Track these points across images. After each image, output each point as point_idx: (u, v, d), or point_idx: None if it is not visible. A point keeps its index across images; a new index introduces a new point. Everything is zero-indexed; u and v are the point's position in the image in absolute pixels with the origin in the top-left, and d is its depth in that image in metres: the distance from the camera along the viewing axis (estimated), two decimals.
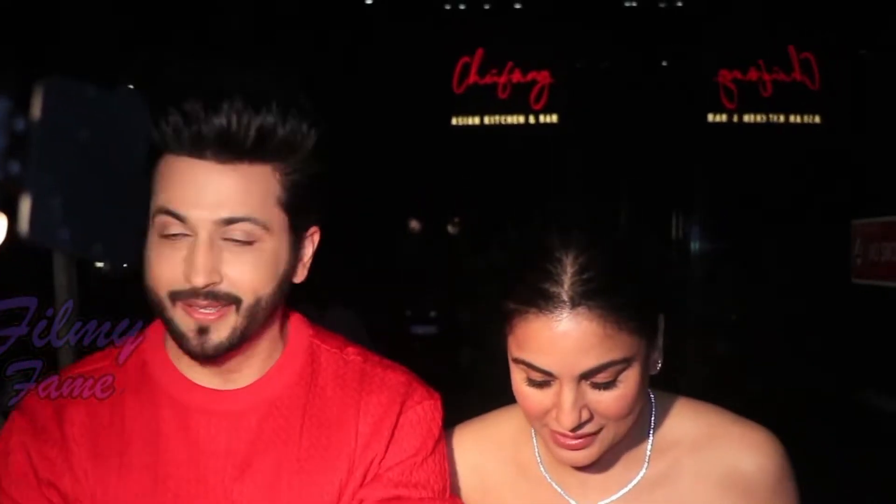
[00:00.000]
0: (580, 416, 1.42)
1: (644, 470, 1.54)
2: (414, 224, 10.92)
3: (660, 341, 1.51)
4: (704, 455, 1.55)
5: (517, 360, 1.46)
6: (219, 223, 1.44)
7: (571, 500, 1.56)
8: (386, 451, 1.58)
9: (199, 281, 1.43)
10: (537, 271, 1.43)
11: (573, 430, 1.43)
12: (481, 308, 1.54)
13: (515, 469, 1.62)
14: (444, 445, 1.62)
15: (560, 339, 1.41)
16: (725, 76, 9.52)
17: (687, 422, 1.59)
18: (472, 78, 10.26)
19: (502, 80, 10.20)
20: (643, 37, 9.90)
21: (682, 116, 9.37)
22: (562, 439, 1.46)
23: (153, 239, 1.45)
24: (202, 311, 1.46)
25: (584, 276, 1.41)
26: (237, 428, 1.56)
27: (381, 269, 9.68)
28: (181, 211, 1.43)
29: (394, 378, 1.63)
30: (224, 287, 1.45)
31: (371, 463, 1.57)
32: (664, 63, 10.16)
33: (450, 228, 10.89)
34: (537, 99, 10.14)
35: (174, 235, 1.44)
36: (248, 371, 1.57)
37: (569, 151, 9.19)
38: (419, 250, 10.50)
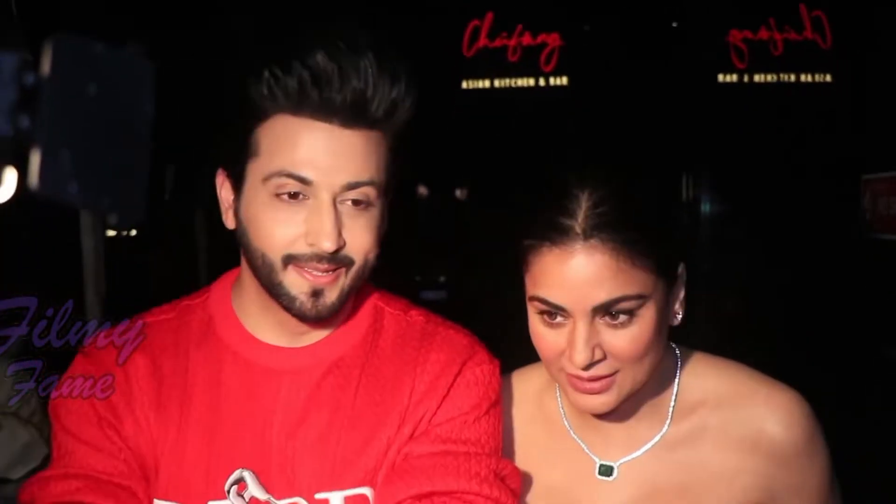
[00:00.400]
0: (592, 355, 1.42)
1: (666, 427, 1.55)
2: (422, 190, 10.89)
3: (681, 292, 1.51)
4: (729, 415, 1.53)
5: (532, 299, 1.47)
6: (344, 187, 1.45)
7: (594, 456, 1.57)
8: (438, 408, 1.58)
9: (330, 246, 1.44)
10: (553, 207, 1.45)
11: (586, 368, 1.42)
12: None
13: (541, 423, 1.62)
14: (499, 410, 1.60)
15: (573, 271, 1.41)
16: (735, 36, 9.42)
17: (712, 380, 1.57)
18: (482, 41, 10.20)
19: (512, 42, 10.11)
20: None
21: (693, 77, 9.30)
22: (578, 383, 1.45)
23: (264, 199, 1.46)
24: (319, 274, 1.47)
25: (598, 210, 1.42)
26: (297, 385, 1.57)
27: (389, 236, 9.63)
28: (306, 174, 1.43)
29: (456, 338, 1.64)
30: (342, 251, 1.47)
31: (421, 419, 1.57)
32: (674, 24, 10.07)
33: (458, 193, 10.87)
34: (547, 61, 10.09)
35: (292, 197, 1.45)
36: (316, 331, 1.59)
37: (579, 113, 9.14)
38: (428, 216, 10.49)
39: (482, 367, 1.60)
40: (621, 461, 1.55)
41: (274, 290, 1.50)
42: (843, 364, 6.21)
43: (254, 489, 1.52)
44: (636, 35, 9.57)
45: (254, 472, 1.53)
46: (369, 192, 1.47)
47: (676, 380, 1.56)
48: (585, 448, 1.58)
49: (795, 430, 1.51)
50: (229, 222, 1.56)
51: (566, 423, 1.60)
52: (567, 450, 1.59)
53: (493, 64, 10.19)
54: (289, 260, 1.46)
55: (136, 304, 1.86)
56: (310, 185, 1.43)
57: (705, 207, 9.32)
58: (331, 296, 1.49)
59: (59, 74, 0.68)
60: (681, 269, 1.52)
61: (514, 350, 1.71)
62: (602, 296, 1.41)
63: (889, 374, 5.87)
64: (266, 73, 1.43)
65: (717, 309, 7.04)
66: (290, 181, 1.44)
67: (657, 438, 1.54)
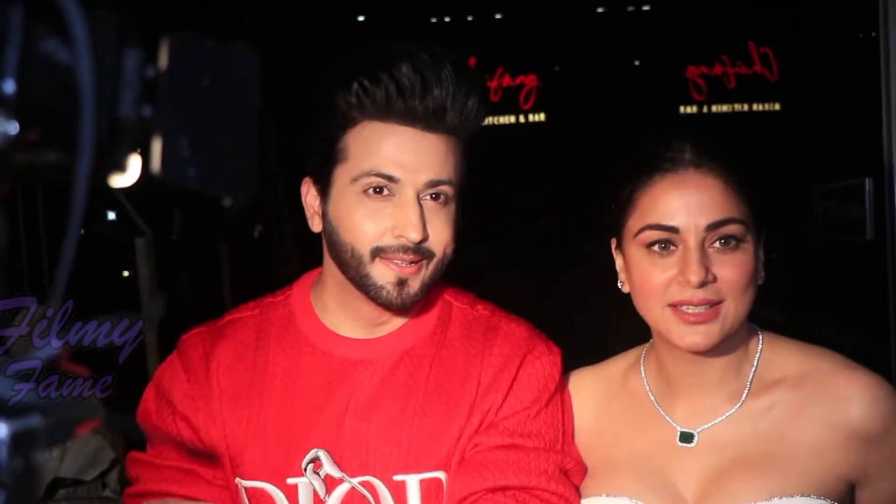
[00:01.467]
0: (707, 274, 1.39)
1: (744, 398, 1.50)
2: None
3: (762, 253, 1.48)
4: (810, 393, 1.48)
5: (644, 229, 1.43)
6: (426, 184, 1.45)
7: (675, 424, 1.53)
8: (504, 401, 1.56)
9: (416, 236, 1.44)
10: (660, 148, 1.44)
11: (700, 286, 1.39)
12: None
13: (627, 399, 1.60)
14: (559, 398, 1.60)
15: (687, 193, 1.41)
16: (693, 71, 9.54)
17: (794, 359, 1.53)
18: None
19: (494, 84, 10.21)
20: (617, 39, 9.93)
21: (657, 109, 9.37)
22: (684, 315, 1.42)
23: (352, 198, 1.46)
24: (403, 265, 1.47)
25: (705, 143, 1.43)
26: (372, 374, 1.56)
27: None
28: (393, 172, 1.44)
29: (517, 331, 1.62)
30: (425, 243, 1.46)
31: (488, 411, 1.56)
32: (637, 62, 10.17)
33: None
34: (526, 100, 10.17)
35: (378, 193, 1.45)
36: (390, 323, 1.58)
37: (556, 145, 9.18)
38: None
39: (542, 360, 1.59)
40: (701, 429, 1.50)
41: (361, 282, 1.50)
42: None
43: (328, 467, 1.53)
44: (604, 74, 9.66)
45: (328, 452, 1.53)
46: (448, 189, 1.47)
47: (758, 355, 1.52)
48: (668, 417, 1.54)
49: (877, 409, 1.45)
50: (315, 226, 1.56)
51: (651, 395, 1.57)
52: (651, 420, 1.55)
53: None
54: (377, 252, 1.47)
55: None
56: (396, 183, 1.45)
57: None
58: (414, 285, 1.49)
59: (176, 68, 0.69)
60: (763, 231, 1.50)
61: None
62: (714, 215, 1.39)
63: None
64: (355, 85, 1.44)
65: None
66: (379, 179, 1.45)
67: (735, 408, 1.50)
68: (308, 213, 1.57)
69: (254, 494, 1.56)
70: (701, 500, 1.47)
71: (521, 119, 10.23)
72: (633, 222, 1.45)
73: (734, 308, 1.41)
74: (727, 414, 1.51)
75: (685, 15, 9.61)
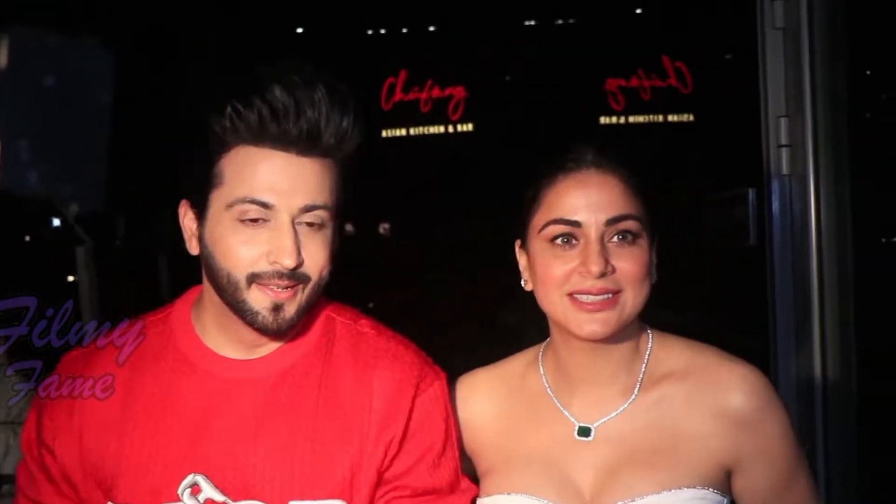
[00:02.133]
0: (606, 265, 1.42)
1: (636, 393, 1.52)
2: (349, 227, 10.87)
3: (654, 255, 1.52)
4: (695, 385, 1.52)
5: (548, 224, 1.47)
6: (301, 209, 1.39)
7: (574, 419, 1.53)
8: (405, 434, 1.51)
9: (291, 263, 1.38)
10: (565, 151, 1.49)
11: (599, 276, 1.42)
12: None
13: (526, 396, 1.59)
14: (452, 422, 1.56)
15: (588, 191, 1.45)
16: (612, 84, 9.64)
17: (679, 356, 1.56)
18: (398, 95, 10.26)
19: (424, 95, 10.22)
20: (541, 52, 10.02)
21: (578, 120, 9.47)
22: (583, 303, 1.45)
23: (228, 224, 1.40)
24: (279, 290, 1.41)
25: (607, 149, 1.48)
26: (254, 394, 1.49)
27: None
28: (268, 199, 1.38)
29: (406, 355, 1.57)
30: (301, 268, 1.41)
31: (390, 443, 1.51)
32: (559, 74, 10.26)
33: (381, 230, 10.87)
34: (454, 111, 10.18)
35: (254, 221, 1.39)
36: (270, 343, 1.52)
37: (483, 154, 9.21)
38: (354, 250, 10.45)
39: (434, 387, 1.56)
40: (597, 423, 1.52)
41: (238, 307, 1.44)
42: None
43: (209, 491, 1.45)
44: (528, 85, 9.71)
45: (208, 477, 1.45)
46: (323, 214, 1.42)
47: (648, 351, 1.55)
48: (566, 412, 1.54)
49: (754, 398, 1.51)
50: (193, 249, 1.49)
51: (549, 391, 1.57)
52: (550, 416, 1.56)
53: (408, 115, 10.24)
54: (252, 278, 1.41)
55: None
56: (270, 209, 1.39)
57: None
58: (290, 310, 1.43)
59: (16, 66, 0.59)
60: (656, 234, 1.54)
61: (438, 358, 1.66)
62: (613, 211, 1.44)
63: None
64: (228, 109, 1.38)
65: None
66: (253, 206, 1.38)
67: (628, 403, 1.52)
68: (185, 236, 1.50)
69: None
70: (598, 494, 1.48)
71: (451, 129, 10.24)
72: (539, 219, 1.48)
73: (632, 298, 1.45)
74: (621, 409, 1.52)
75: (604, 29, 9.77)
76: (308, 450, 1.47)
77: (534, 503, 1.48)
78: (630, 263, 1.44)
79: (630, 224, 1.45)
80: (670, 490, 1.44)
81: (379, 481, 1.51)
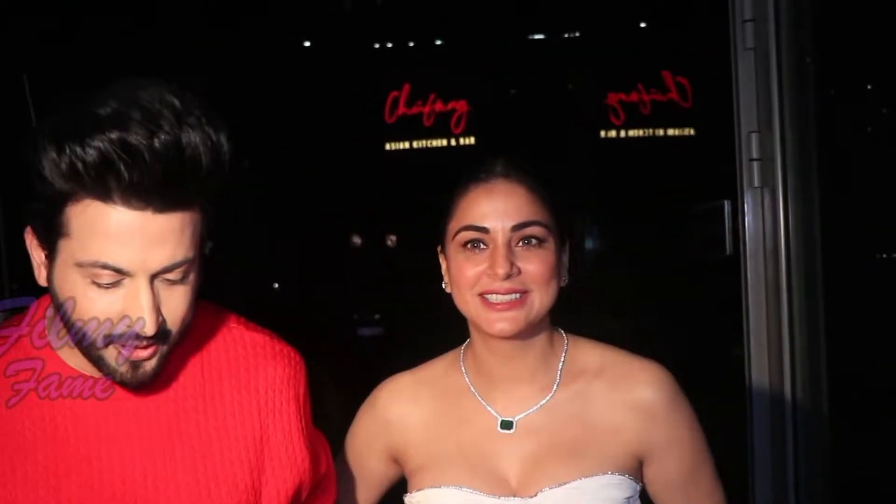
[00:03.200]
0: (511, 267, 1.51)
1: (555, 389, 1.60)
2: (356, 239, 10.92)
3: (566, 258, 1.61)
4: (609, 381, 1.61)
5: (459, 231, 1.55)
6: (160, 270, 1.25)
7: (496, 414, 1.61)
8: (292, 426, 1.47)
9: (150, 330, 1.25)
10: (478, 163, 1.58)
11: (505, 277, 1.51)
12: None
13: (450, 396, 1.66)
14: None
15: (494, 198, 1.53)
16: (612, 98, 9.74)
17: (592, 355, 1.65)
18: (401, 109, 10.37)
19: (426, 109, 10.33)
20: (543, 67, 10.11)
21: (579, 133, 9.56)
22: (492, 303, 1.53)
23: (78, 281, 1.24)
24: (139, 350, 1.28)
25: (515, 161, 1.58)
26: (137, 416, 1.37)
27: (327, 280, 9.80)
28: (123, 265, 1.22)
29: (280, 348, 1.50)
30: (162, 325, 1.27)
31: (284, 435, 1.45)
32: (561, 89, 10.36)
33: (388, 242, 10.91)
34: (457, 124, 10.29)
35: (109, 283, 1.24)
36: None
37: None
38: (362, 261, 10.50)
39: (301, 372, 1.52)
40: (519, 417, 1.60)
41: (94, 362, 1.30)
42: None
43: None
44: (530, 99, 9.82)
45: None
46: (185, 268, 1.27)
47: (564, 352, 1.63)
48: (489, 408, 1.62)
49: (662, 392, 1.61)
50: (42, 280, 1.32)
51: (472, 388, 1.64)
52: (474, 412, 1.63)
53: (411, 128, 10.35)
54: (108, 339, 1.27)
55: None
56: (125, 273, 1.23)
57: (591, 244, 9.47)
58: (151, 364, 1.30)
59: None
60: (567, 241, 1.62)
61: None
62: (519, 217, 1.52)
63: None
64: (66, 154, 1.18)
65: (602, 323, 7.15)
66: (106, 272, 1.22)
67: (548, 398, 1.60)
68: (34, 264, 1.33)
69: None
70: (524, 482, 1.56)
71: (453, 142, 10.35)
72: (453, 225, 1.56)
73: (539, 298, 1.53)
74: (541, 403, 1.60)
75: (606, 45, 9.85)
76: (201, 467, 1.38)
77: (463, 494, 1.56)
78: (535, 266, 1.52)
79: (535, 230, 1.53)
80: (591, 476, 1.54)
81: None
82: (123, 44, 7.45)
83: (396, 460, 1.69)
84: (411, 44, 10.88)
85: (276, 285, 10.02)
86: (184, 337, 1.34)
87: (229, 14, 9.26)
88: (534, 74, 10.04)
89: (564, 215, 1.59)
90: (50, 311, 1.37)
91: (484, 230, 1.53)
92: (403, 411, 1.67)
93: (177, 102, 1.21)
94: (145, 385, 1.33)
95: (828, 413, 2.78)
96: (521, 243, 1.53)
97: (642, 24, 10.03)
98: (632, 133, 9.74)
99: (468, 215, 1.54)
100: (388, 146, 10.45)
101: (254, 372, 1.46)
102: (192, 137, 1.20)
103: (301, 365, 1.52)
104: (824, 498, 2.76)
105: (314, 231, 9.71)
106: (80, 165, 1.18)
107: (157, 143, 1.18)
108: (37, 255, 1.31)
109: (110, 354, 1.28)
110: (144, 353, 1.28)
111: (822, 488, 2.77)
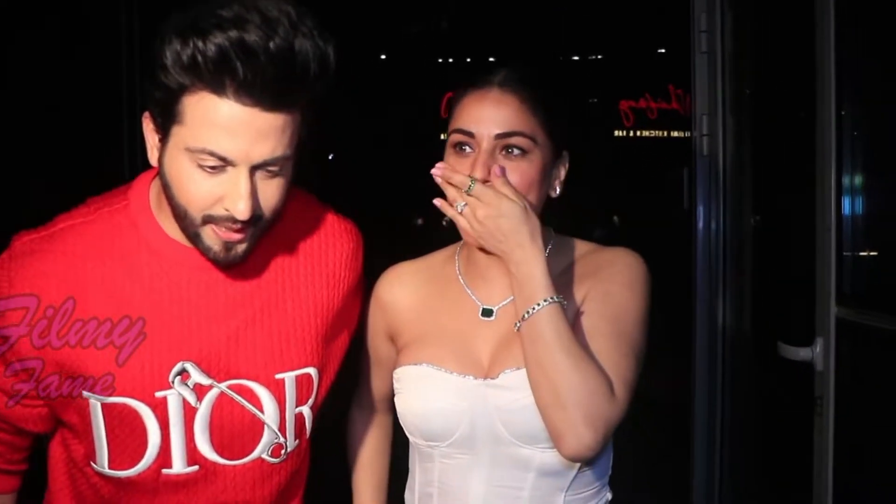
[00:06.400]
0: (489, 173, 1.35)
1: None
2: (419, 220, 11.16)
3: (562, 174, 1.45)
4: (585, 266, 1.46)
5: (451, 133, 1.41)
6: (260, 163, 1.18)
7: (478, 301, 1.50)
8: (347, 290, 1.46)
9: (245, 216, 1.18)
10: (480, 74, 1.43)
11: (483, 182, 1.34)
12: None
13: (443, 282, 1.56)
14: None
15: (486, 106, 1.38)
16: (624, 105, 9.95)
17: (577, 249, 1.51)
18: (444, 114, 10.54)
19: None
20: (575, 81, 10.31)
21: (597, 133, 9.76)
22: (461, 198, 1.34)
23: (186, 164, 1.18)
24: (232, 232, 1.22)
25: (511, 73, 1.42)
26: (224, 280, 1.32)
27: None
28: (227, 154, 1.15)
29: (346, 225, 1.50)
30: (255, 211, 1.20)
31: (343, 304, 1.45)
32: (588, 99, 10.56)
33: (444, 223, 11.09)
34: None
35: (212, 168, 1.17)
36: None
37: None
38: (423, 242, 10.66)
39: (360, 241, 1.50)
40: (499, 305, 1.48)
41: (191, 238, 1.25)
42: None
43: (197, 376, 1.30)
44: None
45: (195, 362, 1.29)
46: (283, 163, 1.21)
47: (548, 248, 1.45)
48: (473, 296, 1.50)
49: (634, 266, 1.44)
50: (153, 160, 1.25)
51: (461, 279, 1.53)
52: (460, 299, 1.51)
53: None
54: (207, 219, 1.21)
55: None
56: (229, 162, 1.17)
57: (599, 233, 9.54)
58: (241, 248, 1.25)
59: None
60: (565, 154, 1.47)
61: None
62: (505, 126, 1.37)
63: None
64: (190, 49, 1.11)
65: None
66: (212, 158, 1.16)
67: None
68: (147, 146, 1.27)
69: (112, 411, 1.27)
70: (492, 363, 1.42)
71: None
72: (449, 127, 1.43)
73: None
74: None
75: (622, 62, 10.04)
76: (278, 325, 1.34)
77: (434, 371, 1.43)
78: (515, 176, 1.36)
79: (518, 140, 1.36)
80: None
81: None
82: None
83: (393, 340, 1.56)
84: (468, 59, 11.10)
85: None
86: (273, 224, 1.27)
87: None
88: (569, 86, 10.25)
89: (560, 128, 1.42)
90: (154, 188, 1.32)
91: (469, 134, 1.37)
92: (398, 293, 1.56)
93: (293, 12, 1.14)
94: (235, 264, 1.27)
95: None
96: (504, 151, 1.37)
97: (661, 50, 10.16)
98: (640, 133, 9.93)
99: (460, 119, 1.40)
100: (442, 136, 10.70)
101: (325, 248, 1.42)
102: (304, 45, 1.13)
103: (361, 240, 1.49)
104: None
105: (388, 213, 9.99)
106: (200, 59, 1.10)
107: (272, 46, 1.10)
108: (151, 138, 1.24)
109: (207, 233, 1.22)
110: (237, 236, 1.22)
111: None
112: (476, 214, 1.33)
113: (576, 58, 10.81)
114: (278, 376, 1.34)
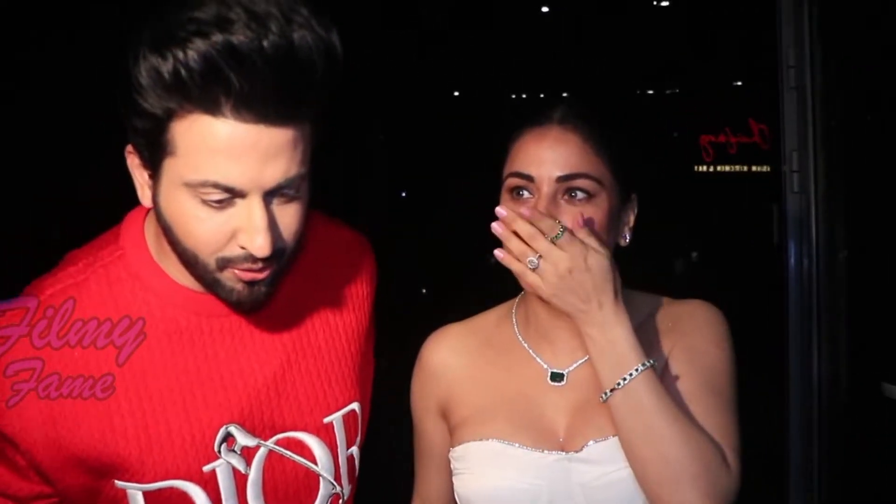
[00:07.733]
0: (555, 225, 1.23)
1: None
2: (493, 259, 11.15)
3: (630, 218, 1.33)
4: (657, 325, 1.35)
5: (507, 177, 1.31)
6: (274, 187, 1.02)
7: (546, 365, 1.37)
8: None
9: (265, 251, 1.02)
10: (536, 110, 1.33)
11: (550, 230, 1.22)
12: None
13: (499, 346, 1.42)
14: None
15: (544, 145, 1.27)
16: (704, 140, 9.87)
17: (645, 304, 1.38)
18: None
19: None
20: (653, 115, 10.28)
21: (678, 168, 9.70)
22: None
23: (187, 201, 1.01)
24: (254, 272, 1.07)
25: (573, 108, 1.31)
26: (247, 325, 1.18)
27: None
28: (235, 184, 0.99)
29: (361, 240, 1.41)
30: (276, 243, 1.04)
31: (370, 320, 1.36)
32: (672, 134, 10.55)
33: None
34: None
35: (219, 202, 1.01)
36: None
37: None
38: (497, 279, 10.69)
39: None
40: (570, 368, 1.34)
41: (209, 285, 1.09)
42: None
43: (242, 439, 1.15)
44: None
45: (238, 423, 1.15)
46: (299, 184, 1.04)
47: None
48: (538, 359, 1.37)
49: (715, 313, 1.35)
50: (146, 201, 1.08)
51: (521, 340, 1.40)
52: (522, 363, 1.38)
53: None
54: (224, 262, 1.05)
55: None
56: (237, 192, 1.00)
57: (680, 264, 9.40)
58: (266, 285, 1.09)
59: None
60: (634, 197, 1.35)
61: None
62: (567, 168, 1.25)
63: None
64: (170, 63, 0.92)
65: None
66: (217, 191, 0.99)
67: None
68: (136, 184, 1.09)
69: (157, 499, 1.10)
70: (571, 435, 1.29)
71: None
72: (505, 170, 1.32)
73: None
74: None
75: (702, 98, 9.98)
76: (315, 368, 1.22)
77: (505, 447, 1.28)
78: (578, 217, 1.24)
79: (583, 182, 1.25)
80: None
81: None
82: None
83: (445, 416, 1.41)
84: (542, 95, 11.19)
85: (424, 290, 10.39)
86: (298, 254, 1.11)
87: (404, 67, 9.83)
88: (646, 121, 10.26)
89: (628, 168, 1.31)
90: (151, 227, 1.14)
91: (528, 178, 1.26)
92: (450, 360, 1.42)
93: (282, 0, 0.94)
94: (259, 307, 1.11)
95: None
96: (566, 196, 1.26)
97: (738, 83, 10.05)
98: (720, 168, 9.83)
99: (517, 161, 1.29)
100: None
101: (344, 268, 1.30)
102: (304, 38, 0.93)
103: (372, 250, 1.37)
104: None
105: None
106: (184, 74, 0.91)
107: (266, 45, 0.91)
108: (139, 176, 1.06)
109: (227, 276, 1.06)
110: (261, 275, 1.06)
111: None
112: (558, 268, 1.18)
113: (651, 92, 10.81)
114: (326, 420, 1.21)
